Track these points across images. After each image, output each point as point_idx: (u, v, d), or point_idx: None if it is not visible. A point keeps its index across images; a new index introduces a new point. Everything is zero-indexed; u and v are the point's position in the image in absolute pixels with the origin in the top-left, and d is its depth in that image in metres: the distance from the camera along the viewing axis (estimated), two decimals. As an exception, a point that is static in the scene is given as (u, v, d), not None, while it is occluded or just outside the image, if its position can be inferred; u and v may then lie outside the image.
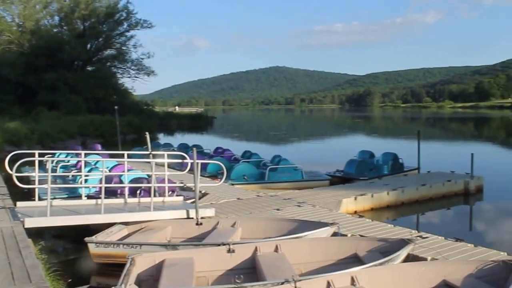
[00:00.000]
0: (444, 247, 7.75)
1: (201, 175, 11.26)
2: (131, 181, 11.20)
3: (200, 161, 10.03)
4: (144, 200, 10.02)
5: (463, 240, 8.13)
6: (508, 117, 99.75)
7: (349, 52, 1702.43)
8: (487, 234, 11.56)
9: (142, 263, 6.61)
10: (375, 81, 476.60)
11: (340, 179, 16.59)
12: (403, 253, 6.97)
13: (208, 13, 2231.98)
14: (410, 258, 7.16)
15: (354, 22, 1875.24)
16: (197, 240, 8.52)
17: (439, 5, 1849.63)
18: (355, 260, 7.19)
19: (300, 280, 5.51)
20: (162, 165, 11.15)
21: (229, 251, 7.03)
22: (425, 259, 7.17)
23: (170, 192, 10.85)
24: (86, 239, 8.08)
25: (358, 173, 16.77)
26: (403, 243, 7.16)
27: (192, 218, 9.28)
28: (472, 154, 15.36)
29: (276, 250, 7.26)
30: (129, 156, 11.15)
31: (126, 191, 10.37)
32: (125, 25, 63.92)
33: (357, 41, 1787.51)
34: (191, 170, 10.42)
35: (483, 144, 38.80)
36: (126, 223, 9.07)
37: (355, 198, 12.67)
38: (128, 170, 11.74)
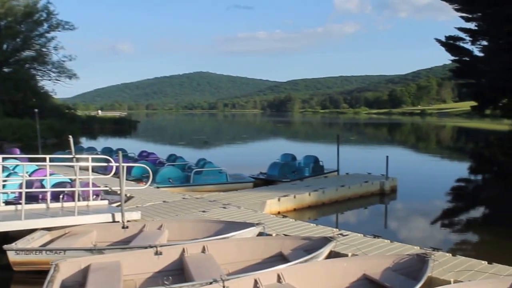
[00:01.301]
0: (364, 243, 8.14)
1: (126, 179, 11.13)
2: (54, 186, 10.87)
3: (125, 165, 9.94)
4: (68, 204, 9.76)
5: (381, 237, 8.57)
6: (418, 123, 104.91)
7: (272, 59, 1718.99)
8: (401, 230, 12.22)
9: (66, 269, 6.47)
10: (295, 88, 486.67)
11: (263, 181, 16.89)
12: (325, 250, 7.26)
13: (132, 18, 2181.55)
14: (332, 255, 7.45)
15: (277, 30, 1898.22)
16: (124, 244, 8.41)
17: (357, 17, 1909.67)
18: (280, 258, 7.39)
19: (228, 280, 5.58)
20: (86, 169, 10.89)
21: (156, 253, 7.03)
22: (346, 255, 7.48)
23: (95, 196, 10.62)
24: (5, 246, 7.76)
25: (280, 175, 17.14)
26: (326, 240, 7.44)
27: (118, 221, 9.16)
28: (387, 157, 16.16)
29: (203, 251, 7.33)
30: (51, 160, 10.81)
31: (48, 196, 10.04)
32: (45, 25, 61.85)
33: (279, 49, 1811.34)
34: (116, 174, 10.30)
35: (396, 148, 40.64)
36: (48, 229, 8.80)
37: (279, 199, 12.97)
38: (50, 175, 11.36)
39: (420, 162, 30.07)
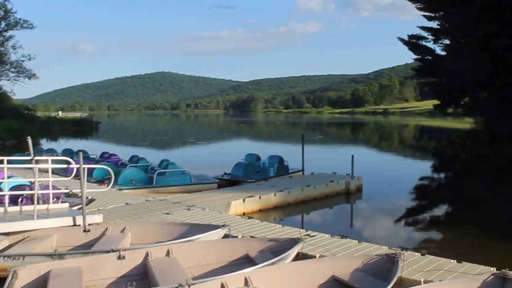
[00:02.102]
0: (331, 244, 8.08)
1: (87, 181, 10.84)
2: (12, 189, 10.49)
3: (86, 166, 9.66)
4: (27, 208, 9.42)
5: (348, 237, 8.54)
6: (381, 122, 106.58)
7: (234, 58, 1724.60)
8: (368, 229, 12.23)
9: (25, 275, 6.19)
10: (258, 88, 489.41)
11: (228, 182, 16.82)
12: (293, 252, 7.16)
13: (92, 17, 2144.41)
14: (300, 256, 7.36)
15: (240, 29, 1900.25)
16: (85, 248, 8.16)
17: (320, 15, 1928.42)
18: (247, 261, 7.26)
19: (193, 284, 5.45)
20: (46, 171, 10.57)
21: (119, 257, 6.81)
22: (314, 257, 7.40)
23: (55, 199, 10.29)
24: (-40, 253, 7.46)
25: (245, 175, 17.07)
26: (293, 242, 7.35)
27: (79, 225, 8.87)
28: (352, 156, 16.22)
29: (167, 254, 7.15)
30: (9, 162, 10.43)
31: (6, 199, 9.67)
32: (3, 24, 60.19)
33: (242, 48, 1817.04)
34: (77, 176, 10.00)
35: (360, 147, 41.06)
36: (6, 234, 8.45)
37: (244, 200, 12.88)
38: (8, 177, 10.97)
39: (384, 161, 30.45)
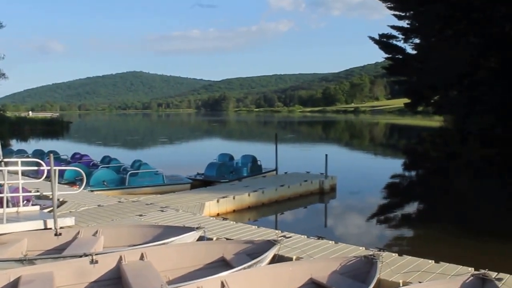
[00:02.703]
0: (308, 245, 8.02)
1: (58, 182, 10.63)
2: (-20, 192, 10.22)
3: (57, 168, 9.45)
4: (-5, 211, 9.20)
5: (325, 238, 8.47)
6: (352, 120, 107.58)
7: (205, 58, 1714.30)
8: (343, 229, 12.23)
9: None
10: (230, 87, 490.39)
11: (201, 182, 16.70)
12: (269, 254, 7.07)
13: (62, 16, 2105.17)
14: (276, 259, 7.26)
15: (211, 29, 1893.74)
16: (57, 252, 7.95)
17: (291, 14, 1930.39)
18: (223, 264, 7.16)
19: None
20: (16, 172, 10.32)
21: (92, 262, 6.65)
22: (291, 259, 7.34)
23: (25, 202, 10.07)
24: None
25: (218, 175, 16.99)
26: (269, 244, 7.26)
27: (51, 228, 8.68)
28: (326, 155, 16.23)
29: (141, 258, 7.01)
30: (-23, 165, 10.15)
31: (-26, 203, 9.44)
32: (-29, 23, 59.07)
33: (213, 48, 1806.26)
34: (48, 178, 9.78)
35: (332, 145, 41.28)
36: (-26, 238, 8.25)
37: (218, 201, 12.78)
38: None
39: (356, 159, 30.70)
